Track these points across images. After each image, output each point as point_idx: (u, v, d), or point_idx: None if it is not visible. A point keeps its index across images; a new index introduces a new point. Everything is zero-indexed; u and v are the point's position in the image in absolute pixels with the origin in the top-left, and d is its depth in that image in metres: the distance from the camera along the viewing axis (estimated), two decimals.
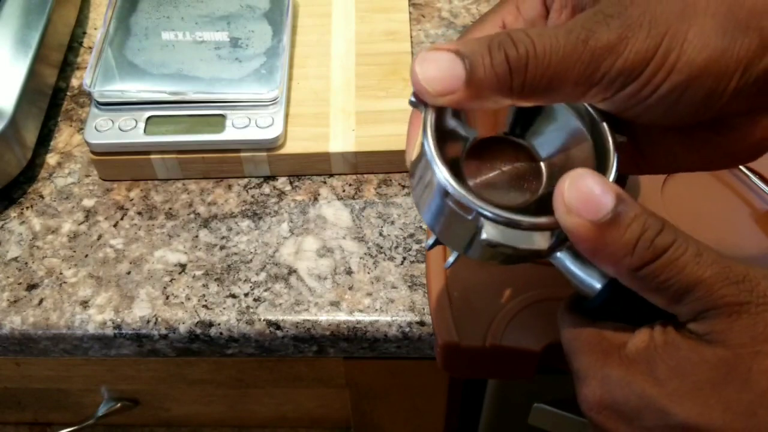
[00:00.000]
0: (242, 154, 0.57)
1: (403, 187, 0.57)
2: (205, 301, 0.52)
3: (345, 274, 0.53)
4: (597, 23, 0.29)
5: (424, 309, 0.51)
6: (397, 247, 0.54)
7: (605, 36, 0.29)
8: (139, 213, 0.57)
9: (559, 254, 0.34)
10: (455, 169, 0.34)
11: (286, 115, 0.58)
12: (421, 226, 0.55)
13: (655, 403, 0.29)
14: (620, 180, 0.34)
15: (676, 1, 0.29)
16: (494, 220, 0.32)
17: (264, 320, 0.51)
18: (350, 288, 0.52)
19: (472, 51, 0.29)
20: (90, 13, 0.70)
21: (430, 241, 0.38)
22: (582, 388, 0.32)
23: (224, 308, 0.51)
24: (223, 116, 0.57)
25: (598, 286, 0.34)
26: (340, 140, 0.57)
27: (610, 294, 0.33)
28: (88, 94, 0.58)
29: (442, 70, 0.30)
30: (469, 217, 0.33)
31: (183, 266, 0.54)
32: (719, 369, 0.29)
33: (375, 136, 0.57)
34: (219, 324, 0.51)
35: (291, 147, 0.57)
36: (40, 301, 0.52)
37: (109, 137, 0.56)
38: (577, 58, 0.29)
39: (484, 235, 0.32)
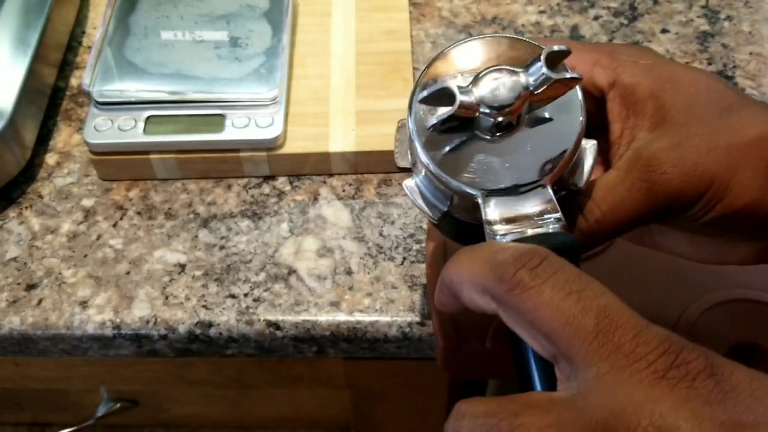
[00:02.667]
0: (242, 154, 0.56)
1: None
2: (205, 301, 0.52)
3: (345, 274, 0.53)
4: (654, 177, 0.34)
5: (424, 309, 0.51)
6: (397, 247, 0.54)
7: (663, 191, 0.33)
8: (139, 213, 0.57)
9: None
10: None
11: (286, 115, 0.58)
12: (421, 226, 0.55)
13: None
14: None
15: (723, 156, 0.33)
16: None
17: (264, 320, 0.51)
18: (350, 288, 0.52)
19: None
20: (89, 13, 0.70)
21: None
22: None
23: (224, 308, 0.51)
24: (222, 116, 0.57)
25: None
26: (340, 140, 0.57)
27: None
28: (88, 94, 0.58)
29: None
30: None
31: (182, 266, 0.53)
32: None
33: (375, 136, 0.57)
34: (218, 324, 0.51)
35: (291, 147, 0.57)
36: (39, 302, 0.52)
37: (108, 137, 0.56)
38: (643, 215, 0.34)
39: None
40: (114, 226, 0.56)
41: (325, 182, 0.58)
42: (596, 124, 0.37)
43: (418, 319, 0.50)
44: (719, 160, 0.33)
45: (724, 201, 0.34)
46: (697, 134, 0.34)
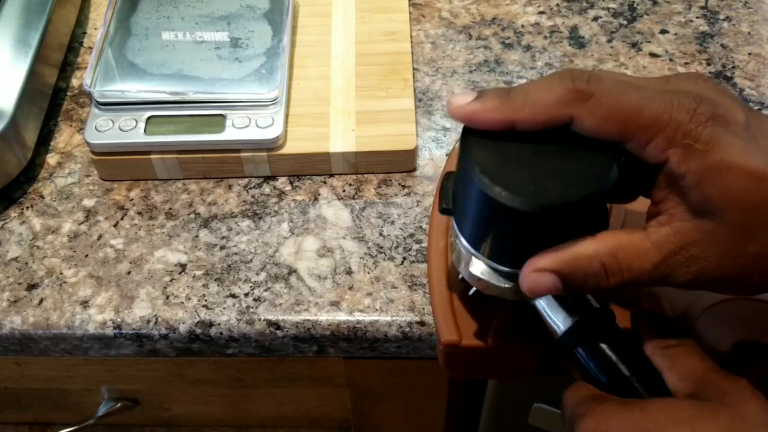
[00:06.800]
0: (242, 154, 0.57)
1: (403, 187, 0.57)
2: (206, 301, 0.52)
3: (345, 274, 0.53)
4: (679, 264, 0.35)
5: (424, 309, 0.51)
6: (397, 247, 0.54)
7: (682, 278, 0.36)
8: (140, 213, 0.57)
9: (538, 298, 0.40)
10: None
11: (286, 115, 0.58)
12: (421, 226, 0.55)
13: (643, 423, 0.35)
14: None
15: (746, 262, 0.35)
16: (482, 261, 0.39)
17: (264, 320, 0.51)
18: (350, 288, 0.52)
19: (571, 275, 0.36)
20: (90, 14, 0.70)
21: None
22: (578, 425, 0.36)
23: (224, 308, 0.51)
24: (223, 116, 0.57)
25: (562, 328, 0.39)
26: (340, 140, 0.57)
27: (571, 338, 0.39)
28: (89, 94, 0.58)
29: (547, 289, 0.36)
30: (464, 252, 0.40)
31: (183, 266, 0.54)
32: (697, 409, 0.35)
33: (375, 136, 0.57)
34: (219, 324, 0.51)
35: (291, 147, 0.57)
36: (41, 301, 0.52)
37: (109, 137, 0.56)
38: (655, 284, 0.36)
39: (471, 269, 0.39)
40: (115, 226, 0.56)
41: (325, 182, 0.58)
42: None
43: (418, 318, 0.50)
44: (741, 265, 0.35)
45: (727, 292, 0.37)
46: (731, 238, 0.34)
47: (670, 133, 0.34)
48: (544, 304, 0.40)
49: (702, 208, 0.34)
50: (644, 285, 0.36)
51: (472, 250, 0.39)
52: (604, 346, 0.38)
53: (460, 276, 0.43)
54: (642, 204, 0.39)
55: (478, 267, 0.39)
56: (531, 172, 0.35)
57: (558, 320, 0.39)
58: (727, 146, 0.34)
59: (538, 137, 0.36)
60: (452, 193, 0.40)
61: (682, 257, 0.35)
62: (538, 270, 0.36)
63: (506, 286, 0.39)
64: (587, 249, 0.36)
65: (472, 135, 0.36)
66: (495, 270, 0.39)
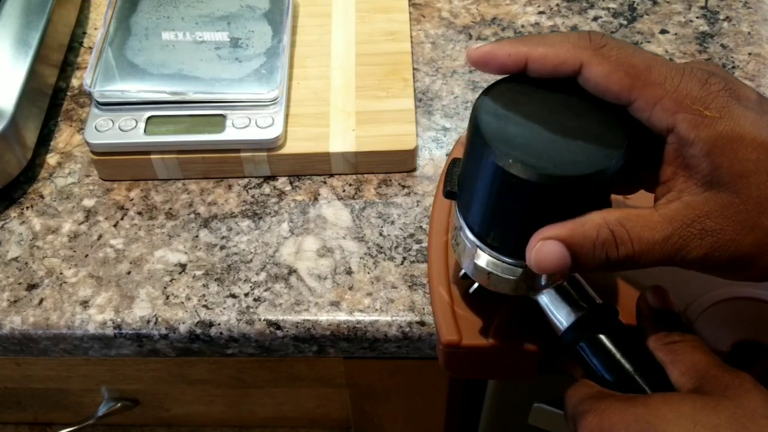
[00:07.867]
0: (242, 154, 0.57)
1: (403, 187, 0.57)
2: (206, 301, 0.52)
3: (345, 274, 0.53)
4: (692, 237, 0.35)
5: (424, 309, 0.51)
6: (397, 247, 0.54)
7: (695, 252, 0.35)
8: (140, 213, 0.57)
9: (541, 294, 0.41)
10: None
11: (286, 115, 0.58)
12: (421, 226, 0.55)
13: (645, 418, 0.35)
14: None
15: (763, 237, 0.34)
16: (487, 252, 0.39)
17: (264, 320, 0.51)
18: (350, 288, 0.52)
19: (579, 244, 0.35)
20: (90, 14, 0.70)
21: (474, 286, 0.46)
22: (581, 422, 0.36)
23: (224, 308, 0.51)
24: (223, 116, 0.57)
25: (565, 324, 0.39)
26: (340, 140, 0.57)
27: (574, 334, 0.39)
28: (89, 94, 0.58)
29: (554, 260, 0.36)
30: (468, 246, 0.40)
31: (183, 266, 0.54)
32: (699, 403, 0.35)
33: (375, 136, 0.57)
34: (219, 324, 0.51)
35: (291, 147, 0.57)
36: (41, 301, 0.52)
37: (109, 137, 0.56)
38: (666, 260, 0.35)
39: (476, 261, 0.40)
40: (115, 226, 0.56)
41: (325, 182, 0.58)
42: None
43: (417, 318, 0.50)
44: (757, 240, 0.34)
45: (741, 274, 0.36)
46: (746, 210, 0.34)
47: (679, 97, 0.34)
48: (546, 300, 0.40)
49: (712, 178, 0.34)
50: (655, 261, 0.36)
51: (477, 242, 0.39)
52: (607, 341, 0.39)
53: (462, 272, 0.43)
54: (644, 203, 0.39)
55: (483, 259, 0.39)
56: (542, 147, 0.35)
57: (561, 316, 0.40)
58: (738, 117, 0.34)
59: (549, 114, 0.36)
60: (458, 178, 0.40)
61: (695, 229, 0.35)
62: (545, 238, 0.35)
63: (511, 277, 0.39)
64: (595, 217, 0.36)
65: (483, 111, 0.37)
66: (500, 261, 0.39)
